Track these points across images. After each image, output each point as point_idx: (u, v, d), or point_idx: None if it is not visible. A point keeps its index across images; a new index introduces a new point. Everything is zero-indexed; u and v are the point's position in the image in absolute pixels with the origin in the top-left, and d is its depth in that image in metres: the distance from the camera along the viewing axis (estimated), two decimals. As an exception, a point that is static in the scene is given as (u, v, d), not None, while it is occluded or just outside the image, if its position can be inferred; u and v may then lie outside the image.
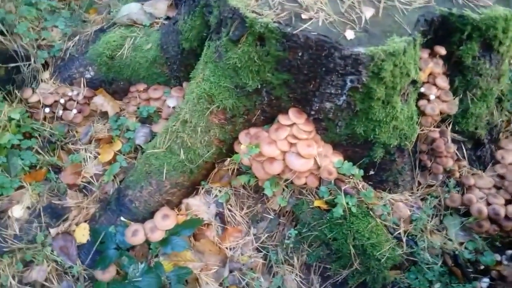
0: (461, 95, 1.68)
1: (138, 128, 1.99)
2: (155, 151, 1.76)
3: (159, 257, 1.73)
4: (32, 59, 2.12)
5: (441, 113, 1.66)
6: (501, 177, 1.72)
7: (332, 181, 1.67)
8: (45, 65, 2.20)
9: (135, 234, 1.68)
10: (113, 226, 1.75)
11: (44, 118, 2.09)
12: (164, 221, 1.70)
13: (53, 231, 1.82)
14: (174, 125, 1.73)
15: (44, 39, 2.21)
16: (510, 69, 2.00)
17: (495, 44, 1.58)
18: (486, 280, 1.57)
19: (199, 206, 1.84)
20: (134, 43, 2.02)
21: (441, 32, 1.59)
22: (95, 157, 2.03)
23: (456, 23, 1.54)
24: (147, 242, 1.73)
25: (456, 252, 1.59)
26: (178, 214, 1.82)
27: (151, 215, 1.77)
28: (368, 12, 1.50)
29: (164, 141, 1.75)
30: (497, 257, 1.61)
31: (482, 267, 1.56)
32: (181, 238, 1.71)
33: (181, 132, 1.71)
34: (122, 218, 1.76)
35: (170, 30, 1.94)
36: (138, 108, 2.04)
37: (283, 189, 1.75)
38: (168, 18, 2.11)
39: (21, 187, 1.93)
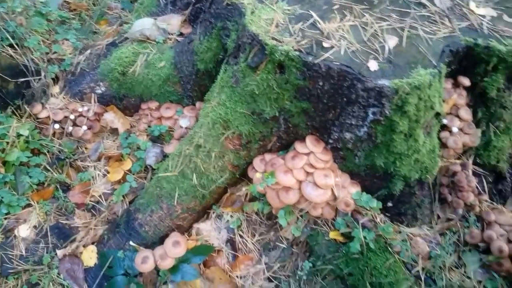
0: (484, 128, 1.63)
1: (149, 147, 1.94)
2: (167, 174, 1.71)
3: (167, 285, 1.68)
4: (42, 74, 2.08)
5: (463, 145, 1.61)
6: (523, 212, 1.67)
7: (349, 213, 1.61)
8: (55, 80, 2.16)
9: (145, 261, 1.63)
10: (122, 251, 1.70)
11: (53, 134, 2.04)
12: (175, 249, 1.65)
13: (60, 252, 1.77)
14: (187, 149, 1.68)
15: (54, 52, 2.17)
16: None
17: (521, 76, 1.52)
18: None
19: (209, 231, 1.79)
20: (147, 60, 1.98)
21: (465, 62, 1.53)
22: (104, 175, 1.98)
23: (481, 54, 1.49)
24: (156, 269, 1.69)
25: (476, 292, 1.54)
26: (188, 240, 1.77)
27: (160, 239, 1.72)
28: (391, 41, 1.45)
29: (177, 165, 1.71)
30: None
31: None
32: (191, 266, 1.66)
33: (194, 156, 1.67)
34: (131, 243, 1.71)
35: (184, 49, 1.89)
36: (149, 127, 2.00)
37: (298, 218, 1.69)
38: (181, 34, 2.06)
39: (28, 205, 1.89)
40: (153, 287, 1.69)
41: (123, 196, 1.89)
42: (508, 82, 1.55)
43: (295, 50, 1.37)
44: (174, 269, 1.65)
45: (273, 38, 1.41)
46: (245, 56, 1.48)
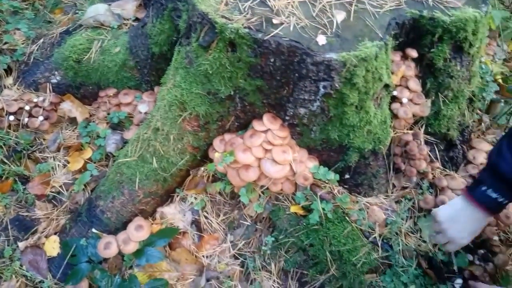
0: (433, 97, 1.69)
1: (108, 135, 1.92)
2: (127, 159, 1.70)
3: (133, 269, 1.69)
4: (-6, 64, 2.01)
5: (414, 115, 1.67)
6: (473, 177, 1.75)
7: (308, 187, 1.65)
8: (8, 71, 2.09)
9: (108, 247, 1.63)
10: (85, 238, 1.69)
11: (9, 126, 1.98)
12: (138, 232, 1.66)
13: (21, 244, 1.74)
14: (145, 133, 1.68)
15: (6, 43, 2.10)
16: (482, 69, 2.04)
17: (465, 46, 1.58)
18: (459, 281, 1.60)
19: (174, 214, 1.79)
20: (102, 46, 1.94)
21: (412, 34, 1.58)
22: (64, 166, 1.95)
23: (426, 25, 1.54)
24: (121, 254, 1.69)
25: (430, 254, 1.61)
26: (152, 224, 1.78)
27: (124, 225, 1.71)
28: (339, 16, 1.48)
29: (136, 150, 1.70)
30: (470, 257, 1.63)
31: (455, 268, 1.59)
32: (156, 248, 1.67)
33: (153, 140, 1.66)
34: (93, 230, 1.70)
35: (138, 33, 1.87)
36: (109, 114, 1.97)
37: (259, 196, 1.72)
38: (137, 19, 2.03)
39: (-15, 199, 1.84)
40: (118, 272, 1.68)
41: (85, 185, 1.87)
42: (454, 52, 1.61)
43: (245, 27, 1.38)
44: (138, 253, 1.65)
45: (222, 17, 1.41)
46: (196, 36, 1.48)
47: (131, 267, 1.70)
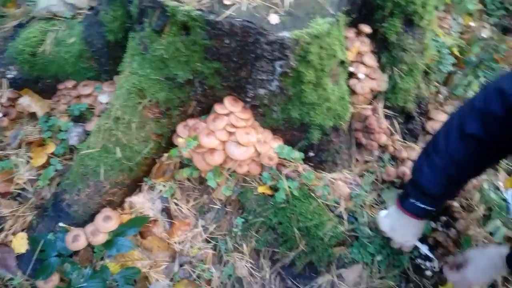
0: (389, 72, 1.73)
1: (70, 128, 1.89)
2: (90, 151, 1.68)
3: (104, 260, 1.69)
4: None
5: (372, 90, 1.71)
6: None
7: (274, 167, 1.68)
8: (-40, 68, 2.01)
9: (76, 239, 1.62)
10: (52, 233, 1.68)
11: (-34, 125, 1.93)
12: (106, 223, 1.65)
13: (-13, 245, 1.71)
14: (106, 123, 1.66)
15: (-45, 39, 2.01)
16: (438, 43, 2.09)
17: (415, 19, 1.63)
18: (425, 247, 1.67)
19: (143, 203, 1.79)
20: (57, 38, 1.89)
21: (364, 10, 1.62)
22: (28, 162, 1.91)
23: (377, 0, 1.57)
24: (91, 246, 1.68)
25: (394, 223, 1.67)
26: (122, 214, 1.77)
27: (92, 217, 1.70)
28: (292, -5, 1.49)
29: (98, 140, 1.68)
30: (433, 224, 1.70)
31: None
32: (126, 238, 1.67)
33: (114, 129, 1.65)
34: (61, 224, 1.68)
35: (93, 22, 1.83)
36: (69, 107, 1.93)
37: (227, 179, 1.74)
38: (91, 8, 1.98)
39: None
40: (89, 264, 1.68)
41: (50, 180, 1.84)
42: (405, 25, 1.66)
43: (197, 9, 1.37)
44: (108, 244, 1.65)
45: (173, 0, 1.40)
46: (149, 20, 1.47)
47: (102, 259, 1.70)
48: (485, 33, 2.57)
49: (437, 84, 2.11)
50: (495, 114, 1.05)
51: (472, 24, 2.60)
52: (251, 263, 1.74)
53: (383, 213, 1.54)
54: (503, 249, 1.36)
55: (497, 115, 1.04)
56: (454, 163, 1.19)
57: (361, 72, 1.66)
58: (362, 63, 1.67)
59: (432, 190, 1.27)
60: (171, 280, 1.70)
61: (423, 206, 1.33)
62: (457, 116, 1.19)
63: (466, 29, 2.56)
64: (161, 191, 1.81)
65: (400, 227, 1.45)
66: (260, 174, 1.70)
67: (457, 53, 2.30)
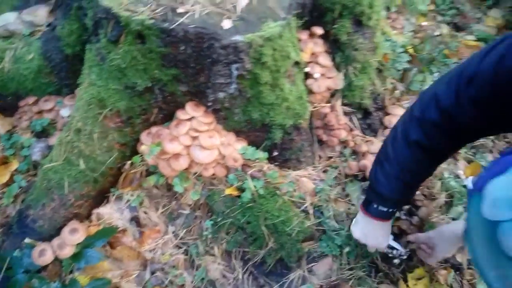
0: (344, 70, 1.81)
1: (33, 143, 1.87)
2: (52, 165, 1.68)
3: (74, 273, 1.67)
4: None
5: (328, 89, 1.78)
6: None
7: (239, 168, 1.72)
8: None
9: (43, 254, 1.60)
10: (19, 249, 1.65)
11: None
12: (73, 235, 1.64)
13: (-50, 268, 1.67)
14: (67, 135, 1.66)
15: None
16: (393, 42, 2.20)
17: (364, 19, 1.72)
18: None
19: (111, 213, 1.79)
20: (15, 55, 1.88)
21: (315, 13, 1.69)
22: (-9, 181, 1.88)
23: (326, 3, 1.65)
24: (59, 260, 1.66)
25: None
26: (90, 226, 1.76)
27: (59, 231, 1.68)
28: (243, 1, 1.55)
29: (60, 153, 1.67)
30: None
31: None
32: (95, 249, 1.66)
33: (76, 141, 1.65)
34: (26, 240, 1.66)
35: (50, 37, 1.84)
36: (31, 123, 1.92)
37: (194, 183, 1.76)
38: (50, 24, 1.99)
39: None
40: (58, 278, 1.66)
41: (14, 197, 1.81)
42: (355, 26, 1.74)
43: (150, 18, 1.41)
44: (76, 256, 1.63)
45: (126, 10, 1.43)
46: (104, 32, 1.49)
47: (71, 272, 1.68)
48: (438, 32, 2.72)
49: (393, 81, 2.21)
50: (432, 120, 1.07)
51: (425, 23, 2.74)
52: (223, 265, 1.76)
53: (353, 222, 1.57)
54: (460, 224, 1.50)
55: (434, 121, 1.06)
56: (405, 170, 1.21)
57: (316, 72, 1.72)
58: (317, 63, 1.74)
59: (390, 195, 1.30)
60: (144, 287, 1.70)
61: (385, 209, 1.35)
62: (400, 124, 1.21)
63: (420, 29, 2.69)
64: (129, 200, 1.81)
65: (370, 232, 1.48)
66: (226, 176, 1.73)
67: (411, 51, 2.42)
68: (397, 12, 2.51)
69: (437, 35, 2.64)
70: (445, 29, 2.74)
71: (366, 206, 1.42)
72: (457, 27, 2.83)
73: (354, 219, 1.57)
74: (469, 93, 0.95)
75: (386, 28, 2.14)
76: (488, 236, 0.65)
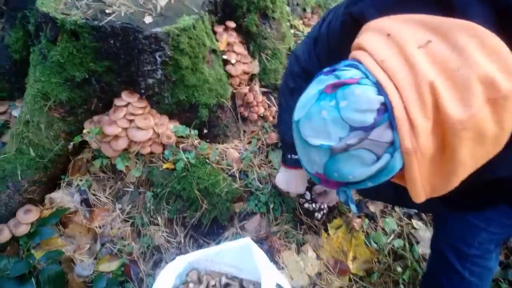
0: (258, 57, 2.15)
1: (-12, 143, 2.08)
2: (6, 155, 1.89)
3: (31, 250, 1.85)
4: None
5: (245, 73, 2.10)
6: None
7: (173, 144, 1.98)
8: None
9: (0, 233, 1.79)
10: (-23, 234, 1.82)
11: None
12: (27, 215, 1.84)
13: None
14: (18, 128, 1.88)
15: None
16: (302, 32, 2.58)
17: (269, 12, 2.07)
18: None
19: (62, 197, 2.00)
20: (-33, 66, 2.11)
21: (227, 9, 2.03)
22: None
23: (235, 1, 1.99)
24: (16, 241, 1.85)
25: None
26: (43, 210, 1.96)
27: (15, 215, 1.88)
28: (162, 1, 1.87)
29: (12, 145, 1.89)
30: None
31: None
32: (48, 227, 1.86)
33: (26, 132, 1.87)
34: (-16, 225, 1.84)
35: (0, 47, 2.08)
36: (-14, 125, 2.13)
37: (136, 162, 2.01)
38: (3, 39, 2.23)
39: None
40: (17, 256, 1.83)
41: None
42: (262, 18, 2.09)
43: (82, 19, 1.70)
44: (31, 234, 1.83)
45: (62, 13, 1.71)
46: (44, 34, 1.76)
47: (28, 250, 1.86)
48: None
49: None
50: (296, 73, 1.41)
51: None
52: (166, 232, 1.99)
53: (276, 177, 1.85)
54: None
55: (298, 73, 1.40)
56: None
57: (233, 58, 2.05)
58: (233, 51, 2.07)
59: None
60: (95, 258, 1.90)
61: (297, 156, 1.63)
62: (283, 78, 1.53)
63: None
64: (78, 185, 2.03)
65: (291, 180, 1.75)
66: (163, 153, 2.00)
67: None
68: (312, 13, 2.91)
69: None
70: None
71: (283, 159, 1.70)
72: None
73: (276, 175, 1.86)
74: (315, 51, 1.29)
75: (295, 22, 2.52)
76: (298, 136, 0.92)
